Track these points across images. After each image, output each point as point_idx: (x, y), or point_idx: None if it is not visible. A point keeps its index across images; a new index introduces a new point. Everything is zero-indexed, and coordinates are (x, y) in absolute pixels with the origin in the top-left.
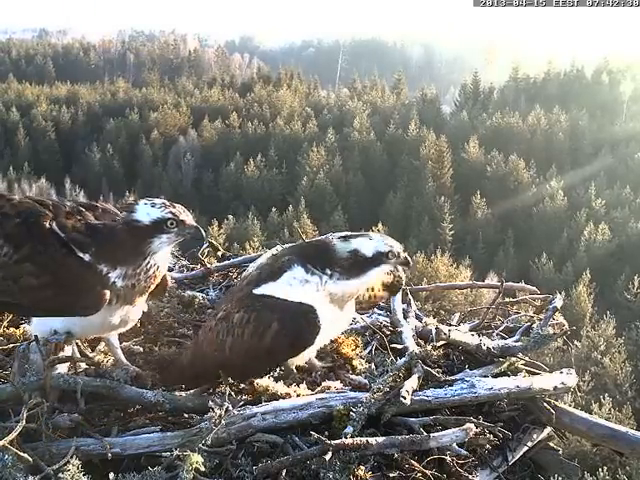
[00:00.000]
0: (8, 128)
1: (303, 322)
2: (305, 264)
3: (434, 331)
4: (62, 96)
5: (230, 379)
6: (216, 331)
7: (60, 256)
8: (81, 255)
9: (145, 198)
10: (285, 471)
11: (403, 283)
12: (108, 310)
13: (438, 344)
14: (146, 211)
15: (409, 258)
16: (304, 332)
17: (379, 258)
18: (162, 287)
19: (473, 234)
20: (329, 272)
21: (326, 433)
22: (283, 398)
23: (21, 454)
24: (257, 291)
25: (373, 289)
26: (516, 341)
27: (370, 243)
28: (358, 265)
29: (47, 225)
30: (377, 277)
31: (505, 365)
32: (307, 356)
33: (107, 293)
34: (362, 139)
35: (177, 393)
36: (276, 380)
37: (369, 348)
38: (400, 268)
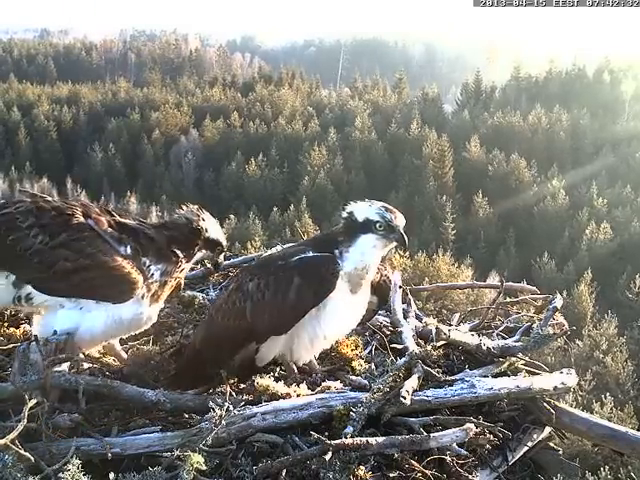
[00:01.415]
0: (9, 128)
1: (323, 269)
2: (316, 252)
3: (434, 331)
4: (63, 96)
5: (254, 342)
6: (231, 301)
7: (96, 243)
8: (117, 247)
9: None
10: (285, 471)
11: (391, 285)
12: (139, 305)
13: (438, 344)
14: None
15: (405, 237)
16: (326, 278)
17: (368, 225)
18: (176, 290)
19: (474, 233)
20: (337, 252)
21: (326, 433)
22: (283, 398)
23: (22, 453)
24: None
25: None
26: (516, 341)
27: (364, 208)
28: (351, 230)
29: (82, 218)
30: (368, 248)
31: (505, 365)
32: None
33: (141, 280)
34: (363, 138)
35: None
36: (276, 380)
37: (369, 348)
38: (390, 269)
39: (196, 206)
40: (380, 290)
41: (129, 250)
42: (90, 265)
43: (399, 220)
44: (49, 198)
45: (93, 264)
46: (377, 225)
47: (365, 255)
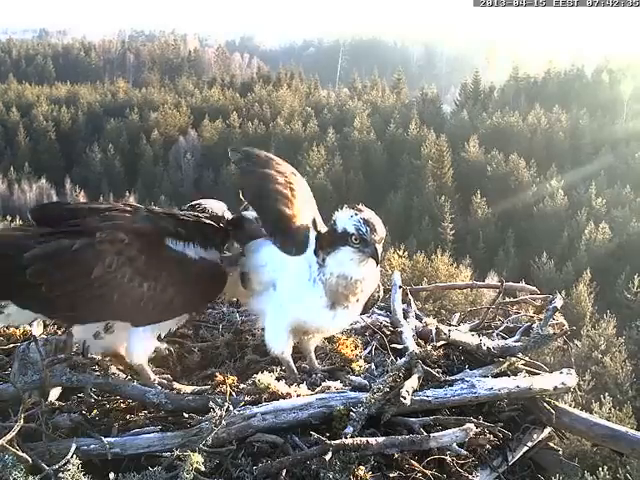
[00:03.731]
0: (8, 128)
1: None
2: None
3: (434, 331)
4: (62, 96)
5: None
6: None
7: (193, 269)
8: (204, 254)
9: None
10: (285, 471)
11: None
12: None
13: (438, 344)
14: None
15: (378, 253)
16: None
17: (345, 237)
18: None
19: (473, 233)
20: (320, 259)
21: (326, 433)
22: (283, 398)
23: (20, 454)
24: None
25: None
26: (516, 341)
27: (345, 218)
28: (333, 238)
29: (168, 248)
30: (346, 261)
31: (505, 365)
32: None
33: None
34: (362, 139)
35: (178, 387)
36: (277, 380)
37: (369, 348)
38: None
39: None
40: None
41: (212, 252)
42: (197, 288)
43: (376, 234)
44: (126, 238)
45: (199, 285)
46: (353, 238)
47: (345, 267)
